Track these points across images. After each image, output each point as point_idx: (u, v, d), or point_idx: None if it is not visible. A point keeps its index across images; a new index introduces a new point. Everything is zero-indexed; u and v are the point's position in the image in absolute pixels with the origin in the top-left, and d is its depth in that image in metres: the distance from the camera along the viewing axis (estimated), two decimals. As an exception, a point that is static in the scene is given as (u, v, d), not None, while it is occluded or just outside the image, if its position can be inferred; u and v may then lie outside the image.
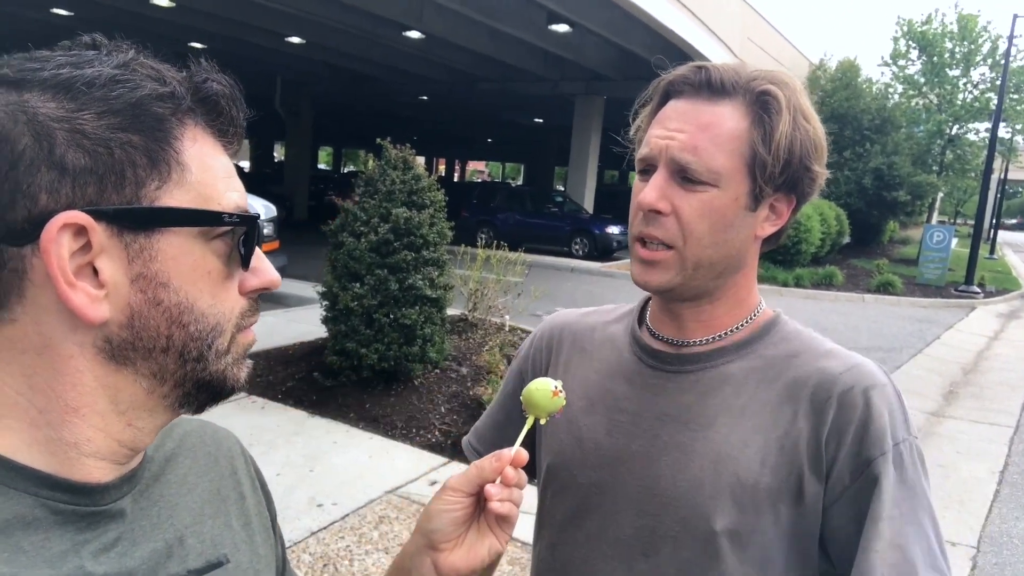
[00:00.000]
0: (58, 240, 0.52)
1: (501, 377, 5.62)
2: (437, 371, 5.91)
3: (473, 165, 70.98)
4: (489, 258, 7.45)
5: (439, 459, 4.74)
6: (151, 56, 0.60)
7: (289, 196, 22.83)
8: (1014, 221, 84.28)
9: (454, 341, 6.59)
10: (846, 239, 21.91)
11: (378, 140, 5.92)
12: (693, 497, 0.94)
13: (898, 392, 0.95)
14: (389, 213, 5.47)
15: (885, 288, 15.37)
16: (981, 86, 25.36)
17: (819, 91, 23.70)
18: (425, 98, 25.01)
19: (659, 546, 0.96)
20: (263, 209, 8.34)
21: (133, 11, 13.77)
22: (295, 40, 16.58)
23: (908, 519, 0.87)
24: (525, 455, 0.82)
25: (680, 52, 14.91)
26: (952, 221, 46.53)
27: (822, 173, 0.97)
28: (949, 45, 25.26)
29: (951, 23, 25.34)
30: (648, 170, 0.97)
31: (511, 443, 0.84)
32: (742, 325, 1.02)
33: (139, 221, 0.55)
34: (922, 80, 25.79)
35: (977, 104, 24.80)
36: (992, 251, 28.80)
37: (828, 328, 10.89)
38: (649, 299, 1.10)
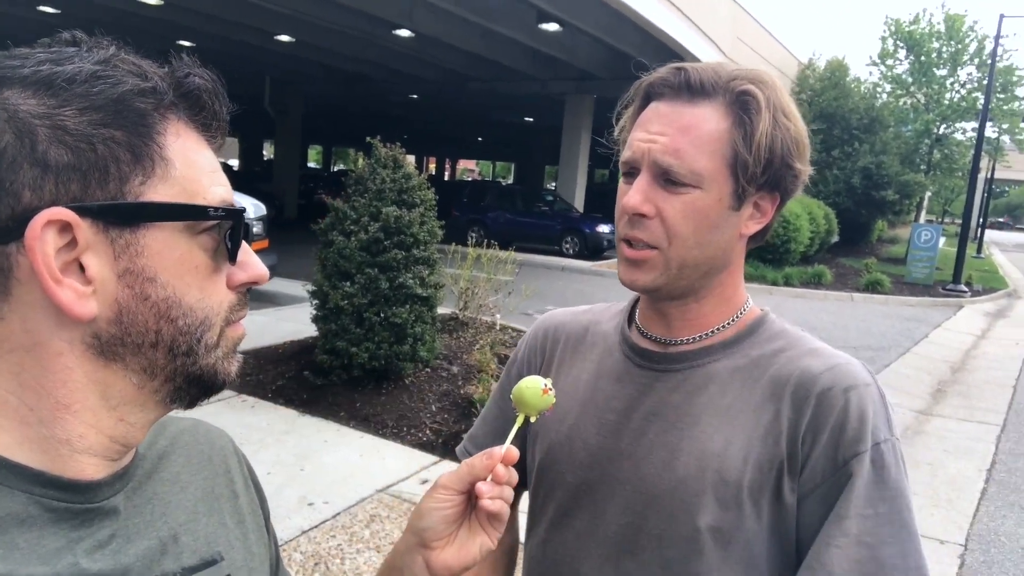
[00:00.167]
0: (43, 237, 0.52)
1: (492, 376, 5.62)
2: (428, 370, 5.90)
3: (463, 164, 70.94)
4: (480, 257, 7.45)
5: (430, 458, 4.74)
6: (132, 52, 0.60)
7: (279, 195, 22.74)
8: (1001, 220, 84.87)
9: (445, 340, 6.59)
10: (835, 238, 22.02)
11: (368, 139, 5.90)
12: (678, 495, 0.94)
13: (882, 392, 0.94)
14: (379, 212, 5.46)
15: (873, 287, 15.46)
16: (968, 86, 25.55)
17: (808, 90, 23.81)
18: (415, 97, 24.97)
19: (645, 544, 0.96)
20: (252, 208, 8.31)
21: (121, 9, 13.70)
22: (284, 39, 16.52)
23: (885, 520, 0.87)
24: (516, 453, 0.82)
25: (670, 51, 14.95)
26: (940, 220, 46.83)
27: (805, 170, 0.97)
28: (936, 45, 25.43)
29: (938, 23, 25.53)
30: (632, 173, 0.97)
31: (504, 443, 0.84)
32: (728, 323, 1.02)
33: (124, 216, 0.55)
34: (910, 80, 25.96)
35: (964, 104, 24.98)
36: (979, 250, 29.01)
37: (817, 327, 10.95)
38: (639, 298, 1.11)
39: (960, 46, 25.22)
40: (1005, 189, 76.42)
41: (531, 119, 31.41)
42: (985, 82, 19.73)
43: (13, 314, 0.55)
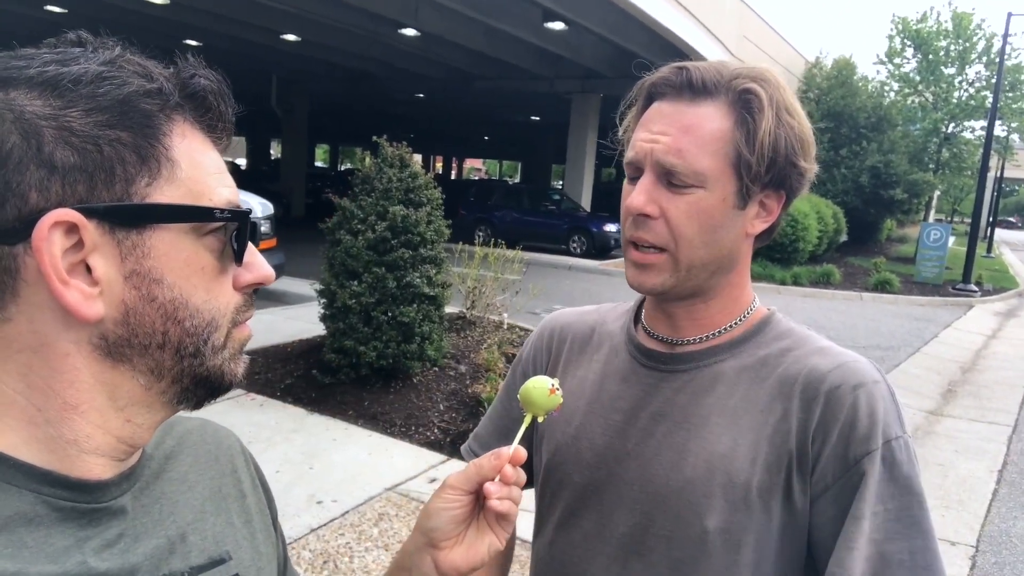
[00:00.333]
0: (49, 238, 0.52)
1: (500, 375, 5.63)
2: (436, 369, 5.91)
3: (470, 163, 70.99)
4: (487, 256, 7.44)
5: (438, 456, 4.74)
6: (137, 53, 0.60)
7: (286, 194, 22.83)
8: (1012, 219, 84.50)
9: (452, 339, 6.59)
10: (843, 237, 21.96)
11: (374, 138, 5.91)
12: (686, 496, 0.94)
13: (891, 389, 0.94)
14: (386, 211, 5.47)
15: (883, 286, 15.40)
16: (976, 84, 25.41)
17: (815, 89, 23.75)
18: (422, 96, 24.99)
19: (653, 545, 0.96)
20: (260, 207, 8.33)
21: (128, 8, 13.74)
22: (291, 38, 16.55)
23: (893, 516, 0.86)
24: (524, 453, 0.82)
25: (676, 50, 14.92)
26: (949, 219, 46.64)
27: (811, 168, 0.96)
28: (944, 43, 25.29)
29: (946, 21, 25.37)
30: (636, 173, 0.96)
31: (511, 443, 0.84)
32: (735, 323, 1.02)
33: (130, 218, 0.55)
34: (917, 78, 25.81)
35: (973, 102, 24.84)
36: (989, 249, 28.89)
37: (826, 326, 10.92)
38: (645, 298, 1.10)
39: (968, 44, 25.08)
40: (1015, 188, 76.06)
41: (537, 118, 31.40)
42: (994, 80, 19.63)
43: (20, 315, 0.55)
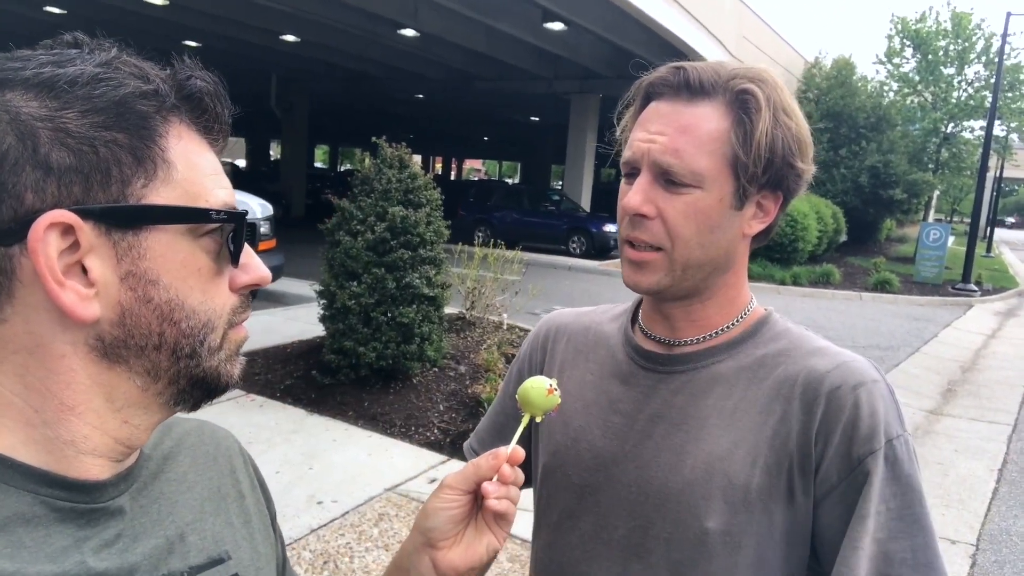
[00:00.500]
0: (45, 239, 0.52)
1: (499, 375, 5.62)
2: (435, 369, 5.91)
3: (470, 163, 70.97)
4: (486, 256, 7.44)
5: (438, 457, 4.74)
6: (134, 54, 0.60)
7: (285, 194, 22.83)
8: (1011, 219, 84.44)
9: (452, 339, 6.59)
10: (843, 237, 21.96)
11: (374, 139, 5.91)
12: (685, 498, 0.94)
13: (890, 388, 0.94)
14: (385, 212, 5.46)
15: (882, 286, 15.40)
16: (976, 84, 25.40)
17: (814, 89, 23.74)
18: (421, 96, 24.99)
19: (652, 547, 0.96)
20: (260, 208, 8.33)
21: (127, 9, 13.74)
22: (290, 38, 16.55)
23: (895, 515, 0.87)
24: (521, 453, 0.82)
25: (675, 50, 14.92)
26: (949, 219, 46.64)
27: (808, 169, 0.96)
28: (943, 43, 25.28)
29: (945, 21, 25.36)
30: (632, 173, 0.96)
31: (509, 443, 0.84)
32: (733, 324, 1.02)
33: (126, 219, 0.55)
34: (917, 78, 25.80)
35: (972, 102, 24.84)
36: (989, 249, 28.89)
37: (825, 326, 10.92)
38: (642, 299, 1.10)
39: (967, 44, 25.07)
40: (1014, 188, 76.03)
41: (537, 118, 31.40)
42: (993, 80, 19.63)
43: (16, 316, 0.55)
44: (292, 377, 5.80)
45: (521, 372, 1.20)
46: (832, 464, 0.90)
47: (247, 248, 0.64)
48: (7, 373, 0.56)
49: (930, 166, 25.18)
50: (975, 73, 25.47)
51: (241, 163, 36.56)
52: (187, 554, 0.66)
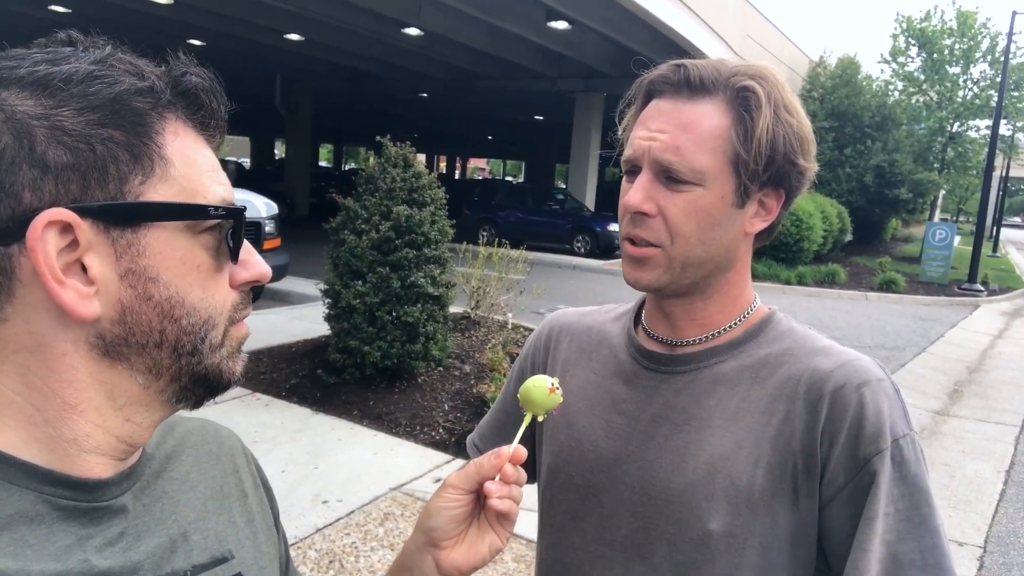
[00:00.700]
0: (44, 238, 0.52)
1: (504, 375, 5.62)
2: (440, 369, 5.91)
3: (474, 162, 70.99)
4: (491, 256, 7.44)
5: (443, 456, 4.74)
6: (129, 51, 0.60)
7: (290, 193, 22.85)
8: (1017, 219, 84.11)
9: (457, 339, 6.59)
10: (848, 237, 21.91)
11: (378, 138, 5.91)
12: (687, 499, 0.93)
13: (895, 387, 0.93)
14: (390, 211, 5.47)
15: (888, 286, 15.37)
16: (981, 83, 25.34)
17: (819, 88, 23.69)
18: (425, 95, 25.01)
19: (654, 548, 0.95)
20: (264, 207, 8.33)
21: (132, 8, 13.77)
22: (294, 37, 16.57)
23: (904, 516, 0.86)
24: (523, 452, 0.82)
25: (679, 49, 14.91)
26: (955, 219, 46.50)
27: (810, 167, 0.95)
28: (948, 42, 25.25)
29: (950, 20, 25.35)
30: (633, 171, 0.96)
31: (512, 442, 0.84)
32: (735, 323, 1.01)
33: (125, 216, 0.55)
34: (922, 77, 25.78)
35: (978, 101, 24.78)
36: (995, 249, 28.79)
37: (831, 326, 10.90)
38: (645, 299, 1.09)
39: (972, 43, 25.03)
40: (1020, 187, 75.75)
41: (541, 117, 31.39)
42: (999, 79, 19.57)
43: (17, 315, 0.55)
44: (297, 376, 5.80)
45: (523, 371, 1.20)
46: (838, 465, 0.89)
47: (247, 244, 0.64)
48: (8, 372, 0.56)
49: (936, 165, 25.13)
50: (981, 72, 25.46)
51: (246, 162, 36.63)
52: (190, 553, 0.66)
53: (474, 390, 5.59)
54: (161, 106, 0.58)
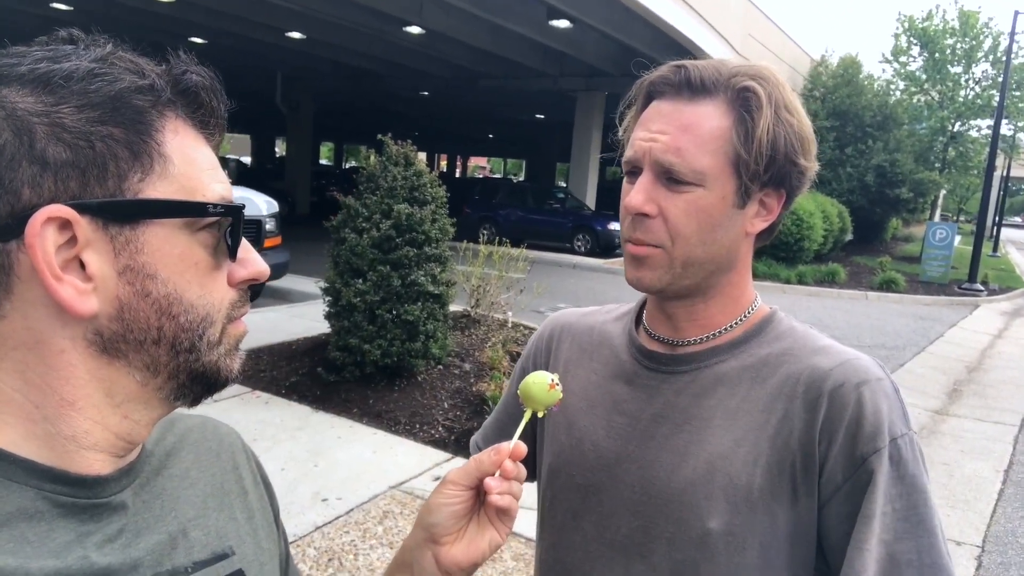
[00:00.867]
0: (43, 234, 0.52)
1: (504, 373, 5.63)
2: (440, 367, 5.91)
3: (475, 161, 70.96)
4: (491, 254, 7.44)
5: (443, 455, 4.74)
6: (129, 49, 0.60)
7: (291, 191, 22.86)
8: (1017, 219, 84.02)
9: (457, 337, 6.59)
10: (849, 236, 21.90)
11: (379, 136, 5.91)
12: (687, 498, 0.93)
13: (895, 386, 0.93)
14: (391, 209, 5.47)
15: (888, 286, 15.36)
16: (983, 83, 25.32)
17: (820, 87, 23.68)
18: (426, 94, 24.99)
19: (654, 547, 0.95)
20: (265, 205, 8.33)
21: (133, 6, 13.76)
22: (296, 35, 16.56)
23: (901, 515, 0.86)
24: (523, 448, 0.82)
25: (681, 48, 14.90)
26: (955, 219, 46.46)
27: (811, 167, 0.95)
28: (950, 42, 25.23)
29: (952, 19, 25.32)
30: (634, 172, 0.96)
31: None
32: (736, 323, 1.01)
33: (123, 213, 0.55)
34: (924, 77, 25.76)
35: (979, 101, 24.76)
36: (995, 249, 28.77)
37: (831, 326, 10.90)
38: (646, 299, 1.09)
39: (974, 43, 25.01)
40: (1021, 187, 75.69)
41: (542, 116, 31.37)
42: (1000, 79, 19.55)
43: (15, 312, 0.55)
44: (297, 374, 5.81)
45: (525, 371, 1.20)
46: (836, 463, 0.89)
47: (245, 243, 0.64)
48: (7, 369, 0.56)
49: (936, 165, 25.12)
50: (982, 72, 25.44)
51: (247, 160, 36.63)
52: (191, 549, 0.66)
53: (474, 388, 5.59)
54: (161, 104, 0.58)
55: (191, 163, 0.59)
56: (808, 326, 1.03)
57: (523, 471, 0.82)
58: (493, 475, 0.80)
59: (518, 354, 6.11)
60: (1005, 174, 34.54)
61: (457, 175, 54.54)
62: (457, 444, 4.87)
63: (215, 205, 0.59)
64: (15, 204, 0.53)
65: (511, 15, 14.43)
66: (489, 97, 24.90)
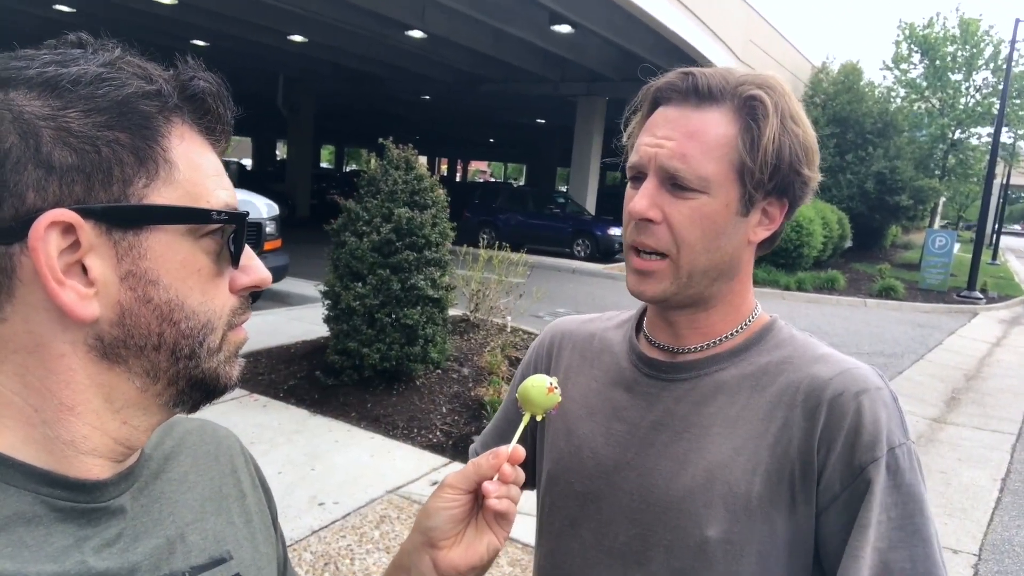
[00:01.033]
0: (46, 238, 0.52)
1: (503, 378, 5.63)
2: (439, 371, 5.91)
3: (475, 165, 71.00)
4: (491, 259, 7.45)
5: (440, 459, 4.74)
6: (137, 54, 0.60)
7: (291, 194, 22.86)
8: (1017, 227, 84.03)
9: (456, 342, 6.59)
10: (848, 243, 21.91)
11: (380, 140, 5.91)
12: (686, 506, 0.93)
13: (894, 396, 0.93)
14: (391, 213, 5.47)
15: (887, 293, 15.36)
16: (983, 90, 25.36)
17: (821, 94, 23.71)
18: (428, 97, 25.03)
19: (652, 555, 0.95)
20: (266, 208, 8.34)
21: (136, 8, 13.78)
22: (297, 38, 16.59)
23: (896, 524, 0.86)
24: (522, 452, 0.82)
25: (682, 54, 14.92)
26: (955, 226, 46.51)
27: (814, 177, 0.96)
28: (951, 49, 25.27)
29: (953, 27, 25.35)
30: (638, 177, 0.96)
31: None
32: (737, 331, 1.01)
33: (127, 219, 0.55)
34: (924, 84, 25.79)
35: (979, 109, 24.79)
36: (994, 257, 28.76)
37: (829, 333, 10.89)
38: (647, 306, 1.10)
39: (975, 50, 25.05)
40: (1021, 195, 75.74)
41: (543, 121, 31.42)
42: (1001, 87, 19.58)
43: (16, 315, 0.55)
44: (296, 377, 5.80)
45: (525, 378, 1.20)
46: (834, 472, 0.89)
47: (248, 250, 0.64)
48: (7, 372, 0.56)
49: (936, 172, 25.14)
50: (983, 79, 25.47)
51: (247, 163, 36.64)
52: (188, 554, 0.66)
53: (472, 393, 5.58)
54: (168, 110, 0.58)
55: (196, 169, 0.59)
56: (808, 335, 1.03)
57: (521, 475, 0.82)
58: (491, 479, 0.80)
59: (517, 359, 6.11)
60: (1005, 182, 34.57)
61: (458, 179, 54.58)
62: (455, 449, 4.87)
63: (219, 212, 0.59)
64: (19, 207, 0.52)
65: (513, 19, 14.46)
66: (490, 101, 24.94)
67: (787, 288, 15.13)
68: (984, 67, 25.25)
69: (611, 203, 22.34)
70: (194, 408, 0.64)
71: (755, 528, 0.91)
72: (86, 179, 0.54)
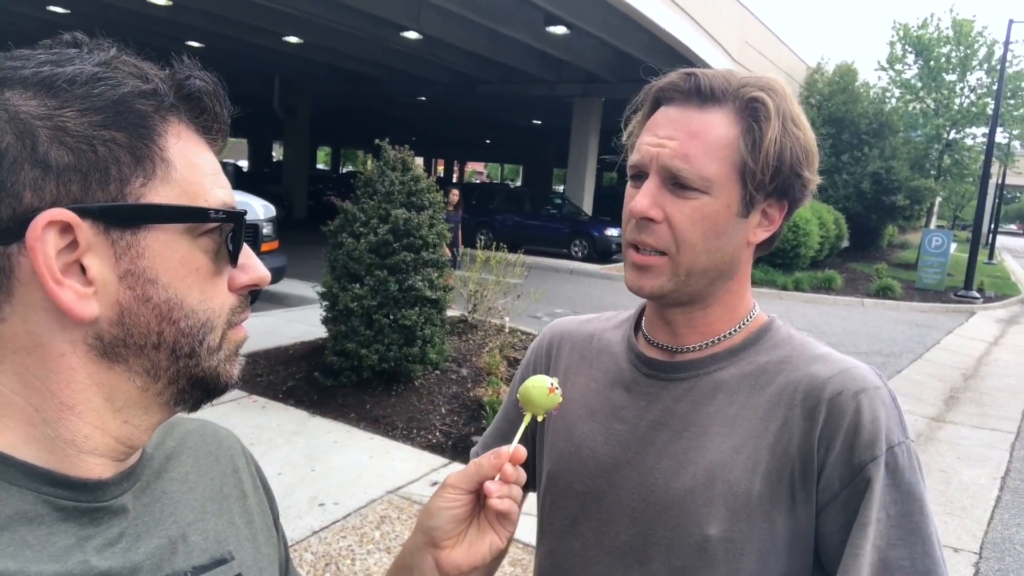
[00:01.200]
0: (44, 238, 0.52)
1: (501, 378, 5.63)
2: (437, 372, 5.91)
3: (472, 166, 71.05)
4: (488, 259, 7.45)
5: (440, 460, 4.74)
6: (133, 54, 0.60)
7: (288, 196, 22.87)
8: (1013, 227, 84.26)
9: (454, 342, 6.59)
10: (845, 243, 21.97)
11: (376, 141, 5.92)
12: (686, 505, 0.93)
13: (892, 394, 0.93)
14: (388, 214, 5.47)
15: (884, 292, 15.39)
16: (978, 91, 25.45)
17: (816, 95, 23.77)
18: (424, 99, 25.03)
19: (653, 554, 0.95)
20: (262, 209, 8.34)
21: (131, 9, 13.77)
22: (293, 40, 16.59)
23: (895, 522, 0.86)
24: (523, 452, 0.82)
25: (677, 55, 14.94)
26: (952, 226, 46.62)
27: (814, 179, 0.97)
28: (945, 50, 25.38)
29: (947, 28, 25.45)
30: (639, 176, 0.96)
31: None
32: (735, 331, 1.01)
33: (125, 218, 0.55)
34: (919, 84, 25.89)
35: (974, 109, 24.89)
36: (991, 256, 28.83)
37: (827, 332, 10.91)
38: (645, 306, 1.10)
39: (969, 51, 25.15)
40: (1017, 195, 75.99)
41: (539, 122, 31.45)
42: (995, 87, 19.65)
43: (15, 315, 0.55)
44: (294, 379, 5.80)
45: (525, 379, 1.20)
46: (834, 471, 0.89)
47: (246, 248, 0.64)
48: (7, 372, 0.56)
49: (932, 172, 25.22)
50: (977, 80, 25.58)
51: (244, 164, 36.63)
52: (190, 554, 0.65)
53: (471, 394, 5.59)
54: (164, 109, 0.58)
55: (193, 168, 0.59)
56: (806, 334, 1.04)
57: (523, 475, 0.83)
58: (493, 479, 0.80)
59: (516, 359, 6.11)
60: (1000, 181, 34.67)
61: (454, 180, 54.62)
62: (454, 449, 4.86)
63: (217, 211, 0.59)
64: (17, 207, 0.52)
65: (508, 21, 14.47)
66: (486, 102, 24.96)
67: (784, 288, 15.16)
68: (978, 67, 25.36)
69: (608, 204, 22.39)
70: (195, 407, 0.64)
71: (755, 527, 0.91)
72: (83, 178, 0.54)
